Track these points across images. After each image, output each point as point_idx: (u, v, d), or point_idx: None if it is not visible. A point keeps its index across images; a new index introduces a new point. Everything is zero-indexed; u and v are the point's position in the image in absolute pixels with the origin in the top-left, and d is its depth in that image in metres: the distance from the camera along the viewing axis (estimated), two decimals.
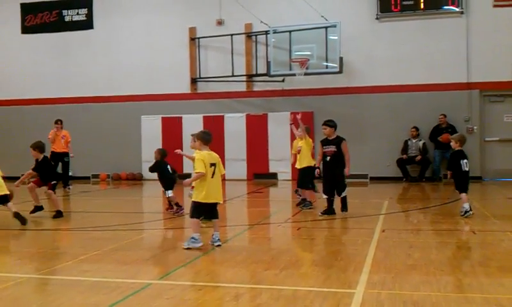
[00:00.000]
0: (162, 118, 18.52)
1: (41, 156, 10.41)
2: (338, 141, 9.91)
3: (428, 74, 16.60)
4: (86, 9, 19.38)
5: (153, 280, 6.02)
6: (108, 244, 7.81)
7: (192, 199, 7.51)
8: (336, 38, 16.16)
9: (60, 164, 15.98)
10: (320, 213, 10.00)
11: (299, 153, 11.11)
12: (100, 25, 19.25)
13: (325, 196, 10.05)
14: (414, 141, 16.70)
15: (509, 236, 8.18)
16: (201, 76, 18.30)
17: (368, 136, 17.00)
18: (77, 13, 19.47)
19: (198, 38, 18.27)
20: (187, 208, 9.97)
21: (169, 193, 10.70)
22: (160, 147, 12.75)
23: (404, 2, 16.77)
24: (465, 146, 10.14)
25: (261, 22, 16.96)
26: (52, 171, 10.69)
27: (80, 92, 19.20)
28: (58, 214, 10.32)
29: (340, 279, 5.87)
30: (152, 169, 11.01)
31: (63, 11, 19.57)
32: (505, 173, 16.39)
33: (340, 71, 16.32)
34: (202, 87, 18.44)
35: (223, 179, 7.82)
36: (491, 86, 16.40)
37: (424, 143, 16.62)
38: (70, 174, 16.87)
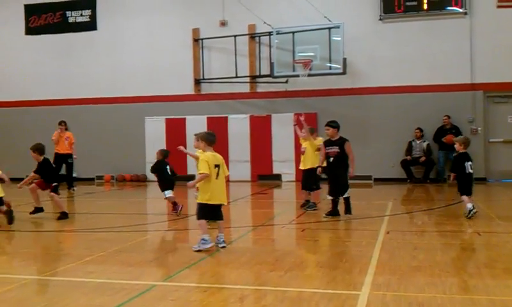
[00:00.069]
0: (166, 119, 18.53)
1: (41, 158, 10.47)
2: (341, 142, 9.88)
3: (432, 75, 16.57)
4: (90, 10, 19.41)
5: (158, 281, 6.03)
6: (112, 245, 7.82)
7: (198, 201, 7.52)
8: (339, 38, 16.15)
9: (64, 165, 16.06)
10: (324, 215, 9.98)
11: (303, 154, 11.10)
12: (104, 27, 19.28)
13: (330, 198, 10.04)
14: (418, 142, 16.67)
15: None
16: (205, 77, 18.31)
17: (372, 137, 16.99)
18: (81, 14, 19.51)
19: (202, 39, 18.28)
20: (193, 210, 9.98)
21: (166, 194, 10.76)
22: (164, 148, 12.79)
23: (408, 3, 16.73)
24: (469, 148, 10.17)
25: (264, 23, 16.96)
26: (54, 172, 10.72)
27: (84, 93, 19.23)
28: (63, 215, 10.36)
29: (345, 280, 5.86)
30: (153, 169, 11.11)
31: (67, 12, 19.60)
32: (509, 174, 16.33)
33: (344, 72, 16.32)
34: (206, 89, 18.45)
35: (227, 180, 7.82)
36: (495, 86, 16.36)
37: (428, 144, 16.58)
38: (74, 175, 16.93)
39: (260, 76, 17.79)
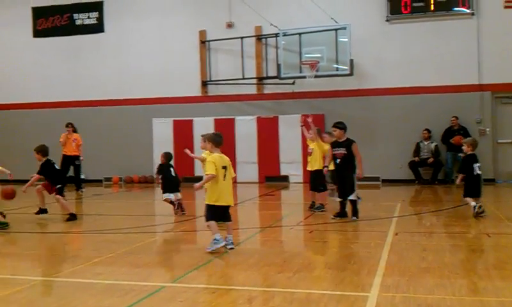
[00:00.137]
0: (174, 120, 18.57)
1: (44, 159, 10.56)
2: (348, 143, 9.83)
3: (439, 76, 16.52)
4: (97, 12, 19.48)
5: (167, 283, 6.04)
6: (121, 247, 7.84)
7: (206, 202, 7.52)
8: (346, 40, 16.14)
9: (72, 167, 16.13)
10: (332, 216, 9.96)
11: (310, 155, 11.08)
12: (111, 29, 19.35)
13: (337, 199, 10.01)
14: (426, 143, 16.61)
15: None
16: (212, 79, 18.34)
17: (380, 138, 16.95)
18: (88, 17, 19.57)
19: (208, 41, 18.31)
20: (200, 211, 9.99)
21: (165, 196, 10.87)
22: (171, 150, 12.90)
23: (414, 4, 16.68)
24: (478, 148, 10.15)
25: (271, 24, 16.96)
26: (57, 174, 10.77)
27: (91, 95, 19.31)
28: (71, 217, 10.42)
29: (353, 282, 5.85)
30: (158, 173, 11.24)
31: (74, 14, 19.67)
32: None
33: (351, 74, 16.30)
34: (213, 90, 18.48)
35: (233, 182, 7.81)
36: (503, 87, 16.28)
37: (436, 145, 16.52)
38: (82, 177, 17.00)
39: (267, 77, 17.79)
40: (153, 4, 18.95)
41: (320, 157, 10.88)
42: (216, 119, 17.92)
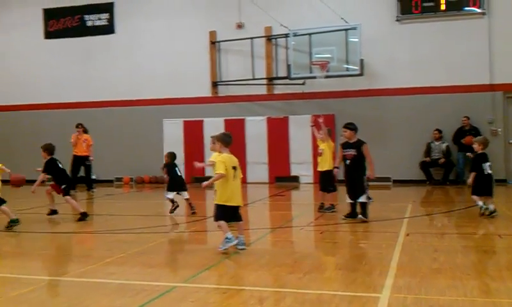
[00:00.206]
0: (184, 121, 18.61)
1: (48, 157, 10.67)
2: (358, 144, 9.78)
3: (450, 76, 16.44)
4: (108, 14, 19.57)
5: (178, 283, 6.05)
6: (132, 247, 7.87)
7: (215, 202, 7.52)
8: (356, 40, 16.11)
9: (83, 167, 16.25)
10: (343, 217, 9.94)
11: (320, 156, 11.07)
12: (122, 30, 19.44)
13: (348, 201, 9.97)
14: (437, 143, 16.53)
15: None
16: (222, 79, 18.37)
17: (391, 139, 16.89)
18: (99, 18, 19.68)
19: (219, 42, 18.34)
20: (210, 211, 10.00)
21: (168, 195, 10.94)
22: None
23: (425, 4, 16.61)
24: (489, 149, 10.09)
25: (281, 25, 16.96)
26: (60, 173, 10.84)
27: (102, 96, 19.41)
28: (83, 216, 10.48)
29: (365, 283, 5.83)
30: (167, 174, 11.38)
31: (85, 16, 19.78)
32: None
33: (361, 74, 16.26)
34: (223, 91, 18.50)
35: (242, 182, 7.79)
36: None
37: (447, 146, 16.43)
38: (94, 177, 17.08)
39: (277, 78, 17.80)
40: (164, 5, 19.01)
41: (330, 157, 10.88)
42: (226, 120, 17.94)
